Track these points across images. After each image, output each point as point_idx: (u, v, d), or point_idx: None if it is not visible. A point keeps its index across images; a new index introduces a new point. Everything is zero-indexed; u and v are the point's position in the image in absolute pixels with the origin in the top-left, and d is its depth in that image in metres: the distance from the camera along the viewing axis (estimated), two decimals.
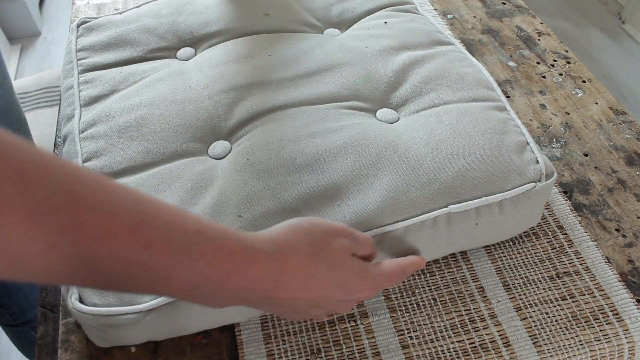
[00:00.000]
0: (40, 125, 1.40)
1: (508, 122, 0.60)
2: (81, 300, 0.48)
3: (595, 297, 0.56)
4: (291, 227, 0.42)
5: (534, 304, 0.55)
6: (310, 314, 0.45)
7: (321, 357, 0.52)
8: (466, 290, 0.56)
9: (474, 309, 0.55)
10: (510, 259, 0.59)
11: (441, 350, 0.52)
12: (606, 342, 0.53)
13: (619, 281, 0.57)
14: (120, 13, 0.75)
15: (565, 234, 0.61)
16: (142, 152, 0.57)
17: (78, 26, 0.74)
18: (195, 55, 0.70)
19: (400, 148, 0.56)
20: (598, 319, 0.54)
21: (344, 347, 0.53)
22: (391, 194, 0.52)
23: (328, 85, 0.63)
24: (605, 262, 0.58)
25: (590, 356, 0.52)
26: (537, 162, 0.56)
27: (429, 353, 0.52)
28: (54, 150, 0.71)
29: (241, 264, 0.37)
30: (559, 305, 0.55)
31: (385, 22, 0.72)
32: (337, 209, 0.52)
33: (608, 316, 0.54)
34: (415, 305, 0.55)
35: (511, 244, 0.60)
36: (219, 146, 0.59)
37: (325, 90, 0.62)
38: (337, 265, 0.42)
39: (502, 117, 0.60)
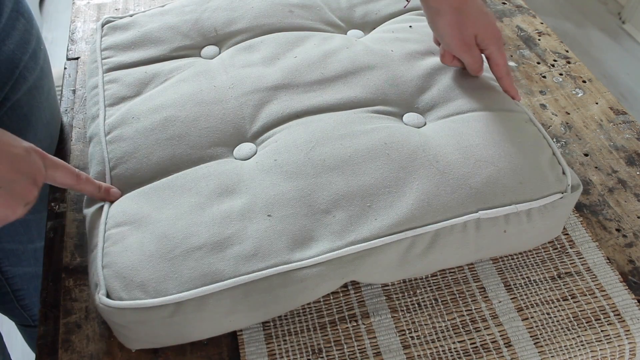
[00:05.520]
0: None
1: (535, 132, 0.59)
2: (108, 296, 0.48)
3: (596, 297, 0.56)
4: None
5: (535, 305, 0.55)
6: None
7: (322, 357, 0.52)
8: (467, 291, 0.56)
9: (475, 309, 0.55)
10: (512, 259, 0.59)
11: (442, 351, 0.52)
12: (607, 343, 0.53)
13: (621, 282, 0.57)
14: (144, 11, 0.75)
15: (567, 234, 0.61)
16: (166, 159, 0.58)
17: (102, 25, 0.74)
18: (220, 53, 0.70)
19: (430, 152, 0.56)
20: (599, 319, 0.54)
21: (345, 347, 0.52)
22: (422, 197, 0.52)
23: (355, 90, 0.63)
24: (607, 262, 0.58)
25: (592, 357, 0.52)
26: (564, 173, 0.56)
27: (430, 353, 0.52)
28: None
29: None
30: (560, 305, 0.55)
31: (410, 26, 0.72)
32: (367, 210, 0.52)
33: (609, 317, 0.54)
34: (416, 305, 0.55)
35: None
36: (245, 148, 0.59)
37: (352, 94, 0.62)
38: None
39: (528, 127, 0.60)
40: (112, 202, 0.56)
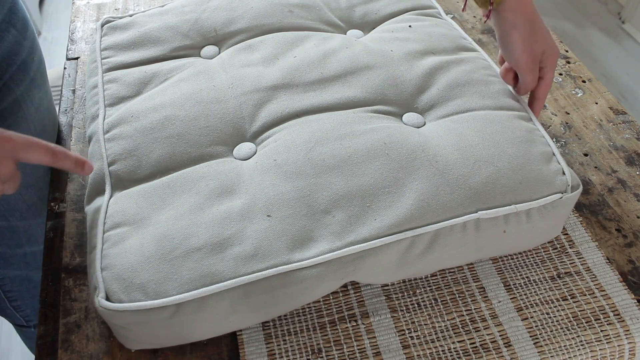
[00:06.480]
0: None
1: (534, 132, 0.59)
2: (108, 299, 0.48)
3: (596, 297, 0.56)
4: None
5: (535, 304, 0.55)
6: None
7: (322, 357, 0.52)
8: (467, 290, 0.56)
9: (475, 309, 0.55)
10: (512, 259, 0.59)
11: (442, 351, 0.52)
12: (607, 343, 0.53)
13: (620, 282, 0.57)
14: (144, 11, 0.75)
15: (567, 234, 0.61)
16: (166, 157, 0.58)
17: (102, 25, 0.74)
18: (220, 53, 0.70)
19: (429, 152, 0.56)
20: (599, 319, 0.54)
21: (344, 347, 0.53)
22: (421, 197, 0.52)
23: (354, 89, 0.63)
24: (607, 262, 0.58)
25: (591, 356, 0.52)
26: (564, 173, 0.56)
27: (429, 353, 0.52)
28: None
29: None
30: (559, 305, 0.55)
31: (410, 26, 0.72)
32: (367, 211, 0.52)
33: (609, 317, 0.54)
34: (416, 305, 0.55)
35: None
36: (244, 147, 0.59)
37: (352, 94, 0.62)
38: None
39: (528, 126, 0.60)
40: (86, 175, 0.55)
